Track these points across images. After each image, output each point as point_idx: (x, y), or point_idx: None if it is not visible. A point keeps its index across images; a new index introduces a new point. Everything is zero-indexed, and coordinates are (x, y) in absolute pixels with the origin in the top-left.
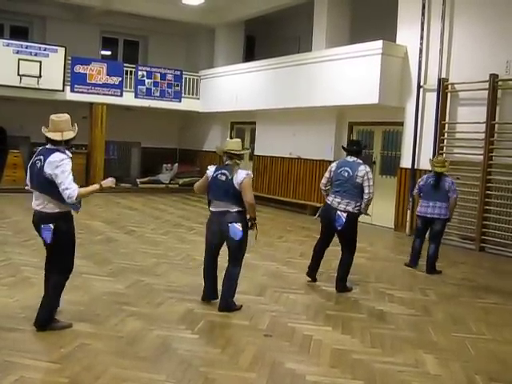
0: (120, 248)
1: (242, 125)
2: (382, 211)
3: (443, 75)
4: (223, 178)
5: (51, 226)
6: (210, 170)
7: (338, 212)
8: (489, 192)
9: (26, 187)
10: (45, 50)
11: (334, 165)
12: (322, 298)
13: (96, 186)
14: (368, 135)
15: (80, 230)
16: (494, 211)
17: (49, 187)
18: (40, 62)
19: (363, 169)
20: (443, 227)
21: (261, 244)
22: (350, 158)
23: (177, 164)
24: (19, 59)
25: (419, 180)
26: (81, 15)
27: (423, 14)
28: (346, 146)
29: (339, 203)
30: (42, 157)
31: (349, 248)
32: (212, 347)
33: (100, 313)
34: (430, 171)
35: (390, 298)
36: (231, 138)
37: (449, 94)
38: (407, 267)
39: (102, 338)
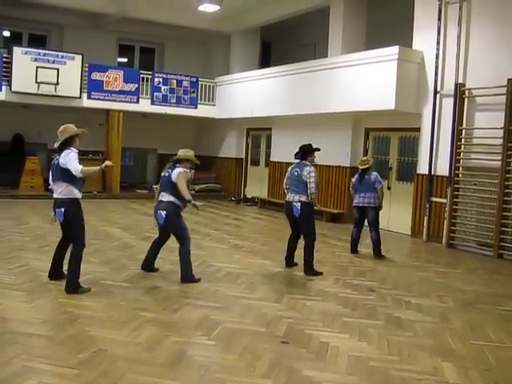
0: (137, 254)
1: (258, 131)
2: (398, 217)
3: (460, 80)
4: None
5: None
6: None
7: (294, 203)
8: (507, 198)
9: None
10: (62, 57)
11: (289, 169)
12: (339, 305)
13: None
14: (384, 141)
15: (97, 236)
16: None
17: None
18: (57, 70)
19: (307, 169)
20: (376, 215)
21: (276, 250)
22: (300, 162)
23: (193, 170)
24: (37, 67)
25: (352, 179)
26: (97, 23)
27: (439, 19)
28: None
29: (294, 197)
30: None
31: (308, 234)
32: (228, 354)
33: (117, 319)
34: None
35: (407, 304)
36: (247, 143)
37: (466, 100)
38: (353, 254)
39: (119, 344)
